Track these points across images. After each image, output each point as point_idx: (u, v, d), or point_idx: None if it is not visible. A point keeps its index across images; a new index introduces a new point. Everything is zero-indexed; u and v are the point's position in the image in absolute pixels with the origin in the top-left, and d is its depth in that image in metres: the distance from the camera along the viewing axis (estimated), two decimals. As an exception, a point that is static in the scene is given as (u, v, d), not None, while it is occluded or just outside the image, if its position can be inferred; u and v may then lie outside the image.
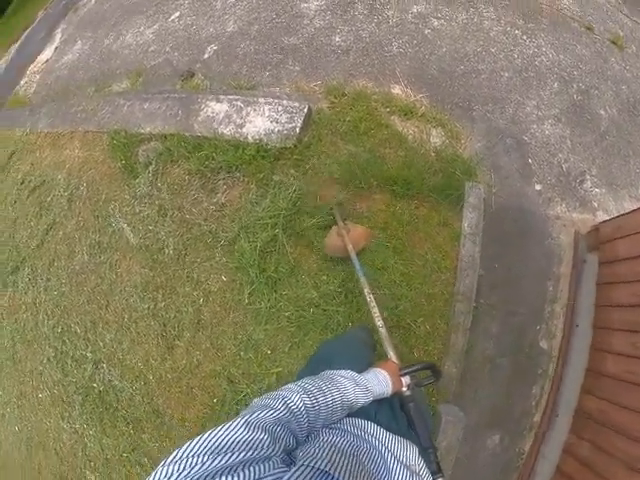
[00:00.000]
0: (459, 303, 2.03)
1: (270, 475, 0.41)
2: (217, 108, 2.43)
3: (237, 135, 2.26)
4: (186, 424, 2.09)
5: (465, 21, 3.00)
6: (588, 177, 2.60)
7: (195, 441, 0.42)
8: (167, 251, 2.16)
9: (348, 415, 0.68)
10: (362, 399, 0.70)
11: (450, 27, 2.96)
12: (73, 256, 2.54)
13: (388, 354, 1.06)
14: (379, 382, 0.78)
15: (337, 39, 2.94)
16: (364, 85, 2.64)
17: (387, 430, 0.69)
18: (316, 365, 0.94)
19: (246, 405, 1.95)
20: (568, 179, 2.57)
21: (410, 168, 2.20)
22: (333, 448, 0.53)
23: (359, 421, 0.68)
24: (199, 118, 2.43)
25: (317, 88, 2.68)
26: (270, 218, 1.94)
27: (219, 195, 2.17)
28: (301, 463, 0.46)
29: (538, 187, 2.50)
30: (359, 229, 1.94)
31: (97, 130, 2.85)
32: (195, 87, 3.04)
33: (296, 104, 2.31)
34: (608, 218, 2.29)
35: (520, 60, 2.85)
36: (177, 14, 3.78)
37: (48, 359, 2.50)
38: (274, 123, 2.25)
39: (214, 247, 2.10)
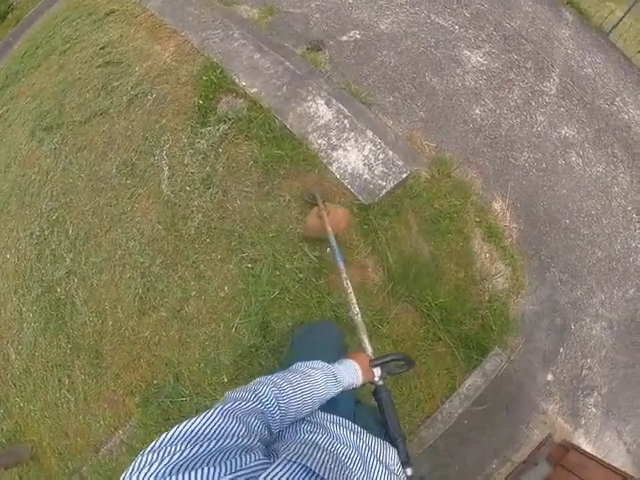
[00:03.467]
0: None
1: (252, 467, 0.37)
2: (322, 111, 1.90)
3: (323, 156, 1.78)
4: (118, 381, 1.82)
5: (598, 174, 2.42)
6: (596, 394, 2.24)
7: (172, 431, 0.39)
8: (189, 224, 1.75)
9: (328, 412, 0.64)
10: (333, 390, 0.65)
11: (583, 171, 2.39)
12: (103, 159, 2.08)
13: (362, 343, 0.97)
14: (349, 373, 0.72)
15: (477, 111, 2.35)
16: (472, 178, 2.12)
17: (366, 430, 0.65)
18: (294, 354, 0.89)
19: (179, 415, 1.68)
20: (578, 386, 2.21)
21: (458, 299, 1.80)
22: (314, 445, 0.49)
23: (340, 419, 0.63)
24: (298, 109, 1.91)
25: (428, 149, 2.15)
26: (300, 272, 1.54)
27: (269, 205, 1.73)
28: (283, 457, 0.41)
29: (550, 377, 2.14)
30: (340, 211, 1.65)
31: (197, 47, 2.27)
32: (315, 63, 2.43)
33: (400, 163, 1.81)
34: (581, 447, 1.99)
35: (619, 247, 2.34)
36: None
37: (31, 234, 2.13)
38: (366, 168, 1.77)
39: (234, 253, 1.69)
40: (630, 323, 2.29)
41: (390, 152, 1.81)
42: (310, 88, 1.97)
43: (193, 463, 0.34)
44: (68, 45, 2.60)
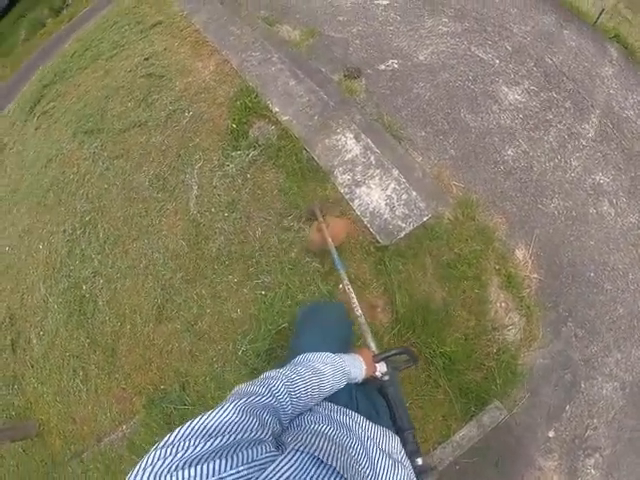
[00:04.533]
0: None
1: (262, 458, 0.37)
2: (349, 145, 1.89)
3: (346, 191, 1.77)
4: (129, 380, 1.90)
5: (630, 226, 2.28)
6: (598, 455, 2.14)
7: (186, 426, 0.38)
8: (211, 245, 1.78)
9: (332, 402, 0.64)
10: (338, 382, 0.66)
11: (614, 222, 2.26)
12: (138, 170, 2.15)
13: (369, 345, 0.98)
14: (354, 366, 0.73)
15: (509, 152, 2.25)
16: (497, 223, 2.04)
17: (369, 419, 0.65)
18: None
19: (182, 421, 1.75)
20: (581, 445, 2.10)
21: (465, 348, 1.75)
22: (321, 435, 0.49)
23: (342, 409, 0.63)
24: (327, 141, 1.91)
25: (455, 190, 2.08)
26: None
27: (289, 235, 1.74)
28: (292, 447, 0.41)
29: (551, 434, 2.06)
30: (339, 222, 1.67)
31: (236, 68, 2.30)
32: (350, 91, 2.41)
33: (422, 205, 1.78)
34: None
35: None
36: (386, 2, 2.96)
37: (64, 230, 2.25)
38: (387, 208, 1.75)
39: (250, 279, 1.72)
40: (647, 390, 2.17)
41: (413, 193, 1.78)
42: (340, 121, 1.96)
43: (205, 456, 0.34)
44: (115, 51, 2.70)
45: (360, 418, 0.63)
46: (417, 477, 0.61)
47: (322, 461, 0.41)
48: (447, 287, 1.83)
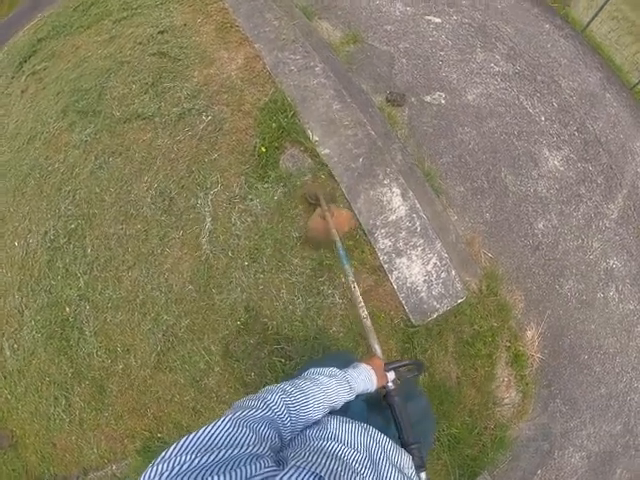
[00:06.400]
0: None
1: (261, 474, 0.36)
2: (395, 203, 1.67)
3: (385, 259, 1.59)
4: (120, 422, 1.65)
5: (628, 312, 2.30)
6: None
7: (183, 440, 0.38)
8: (225, 297, 1.50)
9: (340, 415, 0.60)
10: (345, 396, 0.62)
11: (615, 308, 2.29)
12: (138, 178, 1.72)
13: (373, 347, 0.93)
14: (363, 378, 0.69)
15: (540, 225, 2.16)
16: (516, 301, 1.98)
17: (380, 431, 0.61)
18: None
19: None
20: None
21: (469, 427, 1.74)
22: (323, 452, 0.46)
23: (353, 421, 0.59)
24: (371, 193, 1.67)
25: (483, 260, 1.95)
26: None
27: (316, 300, 1.54)
28: (292, 464, 0.39)
29: (522, 492, 2.21)
30: (344, 213, 1.57)
31: (270, 70, 1.90)
32: (392, 120, 2.13)
33: (458, 286, 1.64)
34: None
35: (622, 386, 2.28)
36: (438, 20, 2.60)
37: (45, 233, 1.83)
38: (425, 286, 1.59)
39: (269, 342, 1.47)
40: (605, 456, 2.35)
41: (453, 272, 1.63)
42: (388, 170, 1.72)
43: (202, 472, 0.34)
44: (125, 14, 2.12)
45: (373, 430, 0.60)
46: None
47: (323, 478, 0.39)
48: (462, 366, 1.77)
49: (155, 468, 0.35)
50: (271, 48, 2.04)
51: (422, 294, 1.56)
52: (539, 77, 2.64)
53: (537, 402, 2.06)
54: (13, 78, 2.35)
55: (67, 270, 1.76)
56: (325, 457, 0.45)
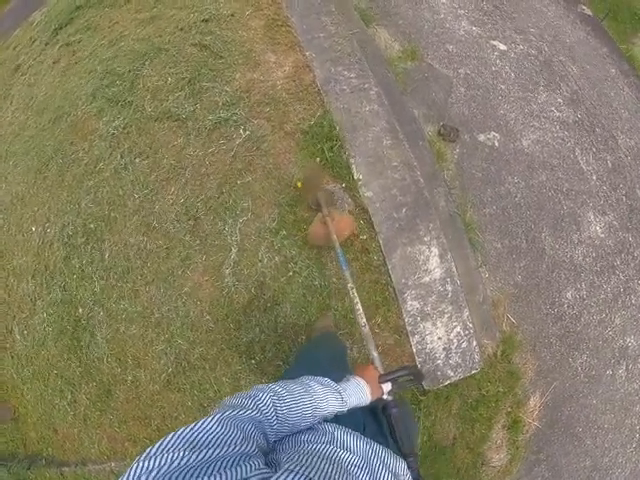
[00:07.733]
0: None
1: (254, 476, 0.35)
2: (432, 264, 1.56)
3: (410, 321, 1.52)
4: (124, 426, 1.65)
5: (631, 391, 2.20)
6: None
7: (170, 437, 0.36)
8: (242, 335, 1.40)
9: (337, 423, 0.59)
10: (336, 408, 0.60)
11: (620, 386, 2.18)
12: (164, 189, 1.59)
13: (370, 355, 0.90)
14: (356, 392, 0.67)
15: (569, 295, 2.05)
16: (527, 369, 1.91)
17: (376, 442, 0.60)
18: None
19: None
20: None
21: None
22: (317, 455, 0.45)
23: (347, 429, 0.58)
24: (409, 249, 1.56)
25: (505, 324, 1.88)
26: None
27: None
28: (286, 467, 0.38)
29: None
30: (345, 218, 1.56)
31: (320, 86, 1.67)
32: (441, 157, 1.96)
33: (476, 358, 1.59)
34: None
35: (607, 461, 2.20)
36: (503, 47, 2.33)
37: (62, 227, 1.73)
38: (443, 354, 1.54)
39: None
40: None
41: (474, 343, 1.57)
42: (431, 226, 1.60)
43: (191, 472, 0.32)
44: None
45: (368, 438, 0.59)
46: None
47: None
48: (461, 428, 1.76)
49: (141, 464, 0.32)
50: (324, 59, 1.83)
51: (439, 361, 1.51)
52: (598, 130, 2.42)
53: (523, 465, 2.08)
54: (47, 45, 2.14)
55: (83, 271, 1.69)
56: (319, 460, 0.43)
